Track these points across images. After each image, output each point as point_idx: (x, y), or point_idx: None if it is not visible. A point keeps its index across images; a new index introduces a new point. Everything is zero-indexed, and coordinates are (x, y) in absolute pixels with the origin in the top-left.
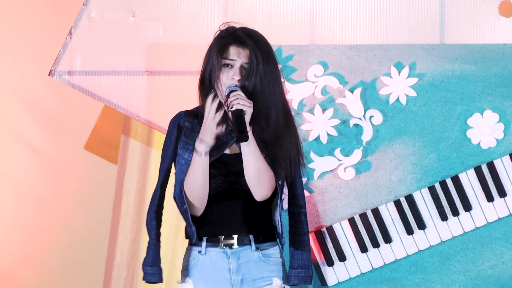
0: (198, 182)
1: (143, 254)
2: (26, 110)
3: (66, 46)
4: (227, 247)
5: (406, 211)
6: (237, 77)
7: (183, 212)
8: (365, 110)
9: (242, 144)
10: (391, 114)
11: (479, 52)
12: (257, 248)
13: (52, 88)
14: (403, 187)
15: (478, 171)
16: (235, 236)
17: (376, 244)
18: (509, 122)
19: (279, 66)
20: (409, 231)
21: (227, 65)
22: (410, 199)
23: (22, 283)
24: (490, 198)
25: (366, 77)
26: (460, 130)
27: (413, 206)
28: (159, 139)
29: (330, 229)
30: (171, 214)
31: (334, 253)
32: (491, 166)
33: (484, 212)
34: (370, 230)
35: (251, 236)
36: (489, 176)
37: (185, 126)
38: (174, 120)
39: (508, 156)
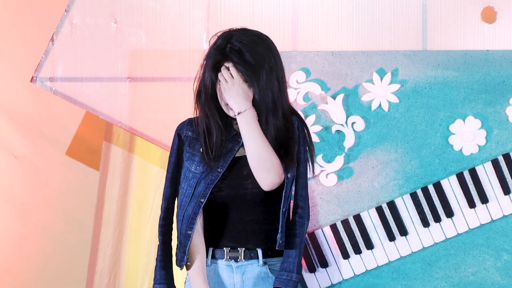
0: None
1: (124, 260)
2: (7, 116)
3: (48, 53)
4: (233, 260)
5: (388, 217)
6: None
7: (184, 237)
8: (347, 117)
9: (238, 119)
10: (373, 120)
11: (461, 58)
12: (264, 263)
13: (33, 95)
14: (385, 194)
15: (460, 177)
16: (241, 249)
17: (358, 251)
18: (491, 129)
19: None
20: (391, 238)
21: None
22: (392, 205)
23: None
24: (472, 205)
25: (348, 84)
26: (442, 136)
27: (395, 213)
28: (141, 145)
29: (312, 236)
30: (152, 223)
31: (316, 259)
32: (473, 173)
33: (466, 218)
34: (352, 237)
35: (259, 250)
36: (471, 182)
37: (188, 136)
38: (177, 128)
39: (490, 163)
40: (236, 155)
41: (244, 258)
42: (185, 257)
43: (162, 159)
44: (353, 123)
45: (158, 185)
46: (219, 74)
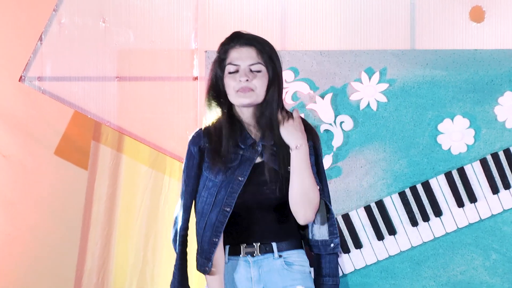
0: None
1: (113, 260)
2: None
3: (37, 52)
4: (249, 255)
5: (376, 216)
6: (244, 78)
7: (209, 244)
8: (336, 116)
9: (294, 153)
10: (361, 119)
11: (450, 57)
12: (279, 256)
13: (22, 94)
14: (373, 193)
15: (449, 176)
16: (257, 244)
17: (346, 250)
18: (479, 128)
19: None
20: (380, 237)
21: (232, 72)
22: (380, 204)
23: None
24: (460, 204)
25: (337, 83)
26: (431, 135)
27: (384, 212)
28: (130, 145)
29: None
30: (140, 223)
31: None
32: (461, 172)
33: (454, 217)
34: (341, 236)
35: (273, 244)
36: (460, 181)
37: (206, 147)
38: (195, 142)
39: (478, 162)
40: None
41: (260, 253)
42: (210, 263)
43: (150, 159)
44: (341, 123)
45: (146, 184)
46: (282, 114)
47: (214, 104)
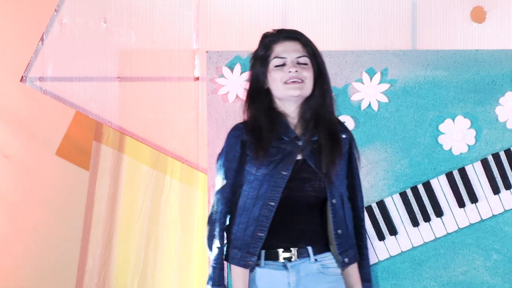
0: None
1: (114, 260)
2: None
3: (38, 52)
4: (286, 260)
5: (377, 217)
6: (294, 69)
7: (252, 238)
8: (337, 116)
9: None
10: (362, 120)
11: (451, 58)
12: (315, 260)
13: (23, 94)
14: (374, 193)
15: (450, 177)
16: (294, 249)
17: None
18: (480, 128)
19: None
20: (381, 237)
21: (279, 65)
22: (381, 205)
23: None
24: (461, 204)
25: (338, 83)
26: (432, 136)
27: (385, 212)
28: (131, 145)
29: None
30: (142, 223)
31: None
32: (462, 172)
33: (455, 218)
34: None
35: (309, 248)
36: (461, 182)
37: (248, 141)
38: (236, 135)
39: (479, 162)
40: (297, 159)
41: (297, 257)
42: (255, 257)
43: (151, 159)
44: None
45: (148, 185)
46: None
47: (256, 100)
